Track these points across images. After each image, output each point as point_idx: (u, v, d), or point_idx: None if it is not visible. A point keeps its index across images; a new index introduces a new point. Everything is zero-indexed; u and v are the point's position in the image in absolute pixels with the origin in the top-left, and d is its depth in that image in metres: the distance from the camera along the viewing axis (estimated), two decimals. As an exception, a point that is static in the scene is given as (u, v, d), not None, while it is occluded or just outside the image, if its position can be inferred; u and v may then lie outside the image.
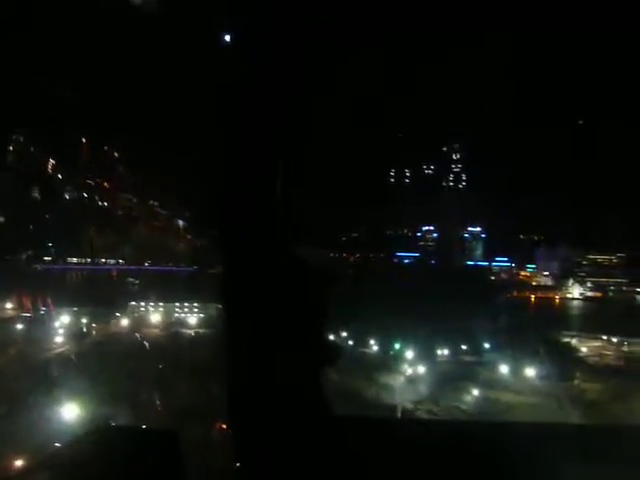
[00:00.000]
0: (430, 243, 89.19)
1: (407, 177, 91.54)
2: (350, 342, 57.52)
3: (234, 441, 3.53)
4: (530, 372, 49.90)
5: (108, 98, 75.69)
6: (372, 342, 57.20)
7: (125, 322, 63.05)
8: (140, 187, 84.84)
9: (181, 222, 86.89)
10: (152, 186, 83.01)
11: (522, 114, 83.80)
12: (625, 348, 57.59)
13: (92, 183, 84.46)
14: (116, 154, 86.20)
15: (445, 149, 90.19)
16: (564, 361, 51.04)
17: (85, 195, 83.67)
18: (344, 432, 3.99)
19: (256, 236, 3.53)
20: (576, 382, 49.42)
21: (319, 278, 3.63)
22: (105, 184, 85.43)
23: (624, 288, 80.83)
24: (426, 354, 53.60)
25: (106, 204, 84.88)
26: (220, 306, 3.54)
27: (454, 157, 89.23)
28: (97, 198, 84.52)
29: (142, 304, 66.27)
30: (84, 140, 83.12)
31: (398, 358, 54.47)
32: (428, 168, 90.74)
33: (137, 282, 72.37)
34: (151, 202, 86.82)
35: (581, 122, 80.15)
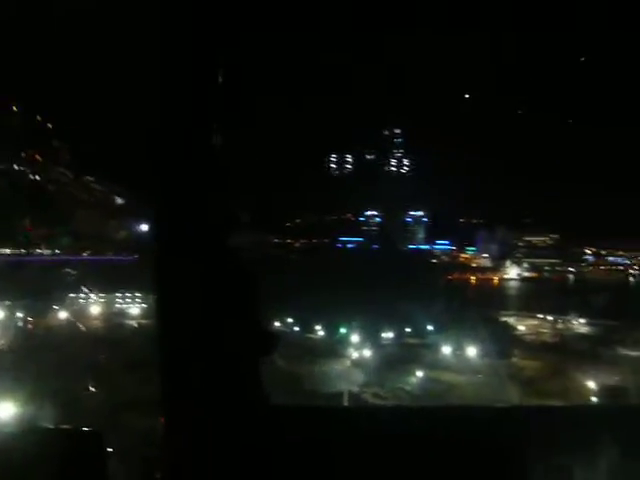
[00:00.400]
0: (373, 228, 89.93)
1: (350, 162, 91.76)
2: (296, 328, 57.50)
3: (169, 433, 3.44)
4: (471, 352, 51.11)
5: (41, 67, 72.19)
6: (318, 327, 57.32)
7: (64, 315, 60.80)
8: (75, 162, 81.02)
9: (119, 199, 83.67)
10: (88, 161, 79.24)
11: (462, 98, 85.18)
12: (560, 325, 59.91)
13: (24, 155, 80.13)
14: (50, 125, 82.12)
15: (387, 133, 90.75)
16: (503, 340, 52.48)
17: (16, 168, 79.23)
18: (284, 422, 3.90)
19: (189, 222, 3.40)
20: (514, 360, 50.98)
21: (252, 266, 3.55)
22: (37, 157, 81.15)
23: (557, 268, 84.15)
24: (371, 338, 54.12)
25: (38, 178, 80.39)
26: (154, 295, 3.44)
27: (395, 141, 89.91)
28: (29, 171, 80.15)
29: (82, 295, 64.14)
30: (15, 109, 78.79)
31: (344, 343, 54.79)
32: (370, 153, 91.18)
33: (75, 273, 69.82)
34: (87, 177, 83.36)
35: (520, 112, 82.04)
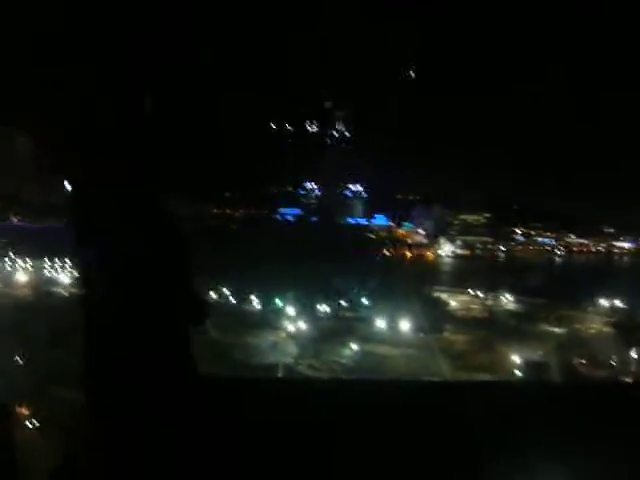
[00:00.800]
0: (313, 201, 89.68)
1: (291, 133, 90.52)
2: (232, 299, 56.89)
3: (92, 407, 3.28)
4: (404, 326, 52.02)
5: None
6: (254, 299, 56.89)
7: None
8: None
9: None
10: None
11: (403, 76, 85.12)
12: (489, 302, 61.79)
13: None
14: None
15: (328, 105, 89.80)
16: (435, 315, 53.66)
17: None
18: (214, 393, 3.86)
19: (114, 181, 3.15)
20: (446, 334, 52.25)
21: (182, 231, 3.39)
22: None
23: (489, 246, 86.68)
24: (307, 311, 54.19)
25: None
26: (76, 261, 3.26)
27: (337, 114, 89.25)
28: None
29: (8, 263, 61.15)
30: None
31: (279, 314, 54.64)
32: (311, 125, 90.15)
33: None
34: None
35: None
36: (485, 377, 44.84)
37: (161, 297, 3.20)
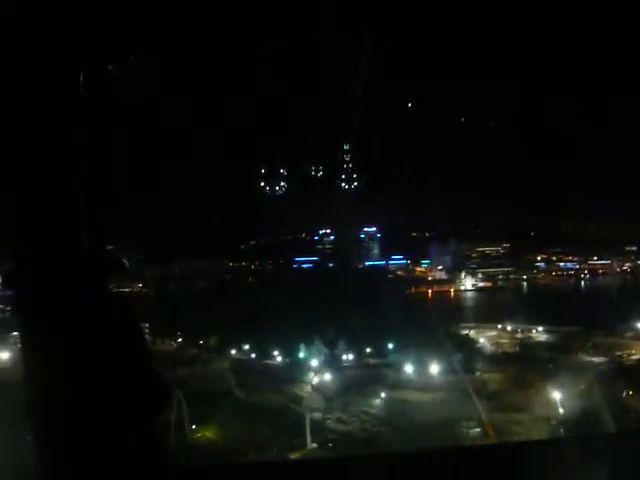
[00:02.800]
0: (328, 246, 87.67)
1: (300, 180, 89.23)
2: (253, 355, 54.42)
3: None
4: (434, 368, 48.98)
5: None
6: (276, 353, 54.16)
7: None
8: None
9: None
10: None
11: (409, 113, 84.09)
12: (519, 335, 58.55)
13: None
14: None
15: (336, 148, 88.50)
16: (465, 354, 50.62)
17: None
18: None
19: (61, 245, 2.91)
20: (477, 374, 49.06)
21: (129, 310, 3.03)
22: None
23: (511, 276, 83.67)
24: (331, 360, 51.46)
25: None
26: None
27: (345, 157, 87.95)
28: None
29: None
30: None
31: (303, 367, 51.90)
32: (319, 169, 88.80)
33: None
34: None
35: (462, 120, 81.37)
36: (525, 417, 41.69)
37: (110, 389, 2.79)
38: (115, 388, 2.84)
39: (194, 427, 39.84)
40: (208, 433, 42.41)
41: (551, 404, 42.73)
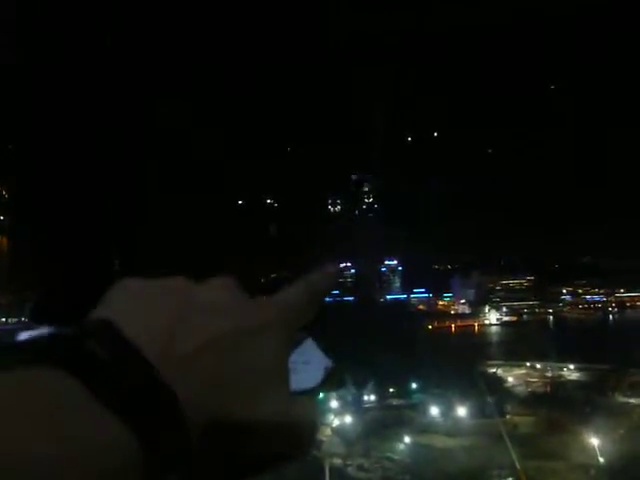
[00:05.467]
0: (349, 280, 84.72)
1: (321, 212, 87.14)
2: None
3: None
4: (460, 411, 45.28)
5: None
6: (294, 392, 50.97)
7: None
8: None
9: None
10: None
11: (429, 146, 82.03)
12: (549, 373, 54.60)
13: None
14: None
15: (355, 178, 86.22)
16: (494, 394, 46.89)
17: None
18: None
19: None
20: (507, 416, 45.20)
21: None
22: None
23: (536, 310, 79.76)
24: (352, 401, 47.99)
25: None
26: None
27: (365, 189, 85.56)
28: None
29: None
30: None
31: (322, 409, 48.52)
32: (337, 202, 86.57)
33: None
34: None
35: (490, 151, 78.99)
36: (561, 465, 37.80)
37: None
38: None
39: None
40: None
41: (588, 450, 38.81)
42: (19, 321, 68.85)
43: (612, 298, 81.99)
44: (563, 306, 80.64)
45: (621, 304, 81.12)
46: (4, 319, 68.11)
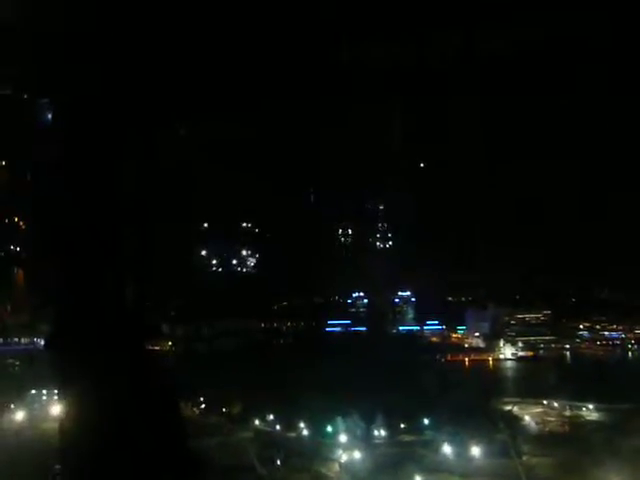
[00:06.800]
0: (361, 309, 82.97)
1: (334, 242, 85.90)
2: (277, 427, 49.32)
3: None
4: (475, 450, 42.93)
5: None
6: (302, 425, 48.81)
7: (20, 416, 51.83)
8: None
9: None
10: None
11: (440, 174, 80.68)
12: (567, 412, 52.09)
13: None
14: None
15: (369, 207, 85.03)
16: (509, 433, 44.53)
17: None
18: None
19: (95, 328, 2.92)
20: (524, 457, 42.74)
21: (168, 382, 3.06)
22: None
23: (553, 345, 77.16)
24: (362, 436, 45.88)
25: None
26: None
27: (379, 216, 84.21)
28: None
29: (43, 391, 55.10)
30: None
31: (331, 442, 46.42)
32: (348, 231, 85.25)
33: (17, 363, 60.81)
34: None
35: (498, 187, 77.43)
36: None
37: (148, 455, 2.77)
38: (148, 458, 2.78)
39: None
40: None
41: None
42: (31, 341, 68.44)
43: (631, 335, 79.32)
44: (580, 342, 78.02)
45: (640, 341, 78.42)
46: (17, 339, 67.71)
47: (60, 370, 2.98)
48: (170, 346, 71.92)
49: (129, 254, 3.00)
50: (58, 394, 2.96)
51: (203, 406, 53.30)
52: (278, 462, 42.28)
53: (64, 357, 2.98)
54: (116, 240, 2.99)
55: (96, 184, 2.90)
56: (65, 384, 3.00)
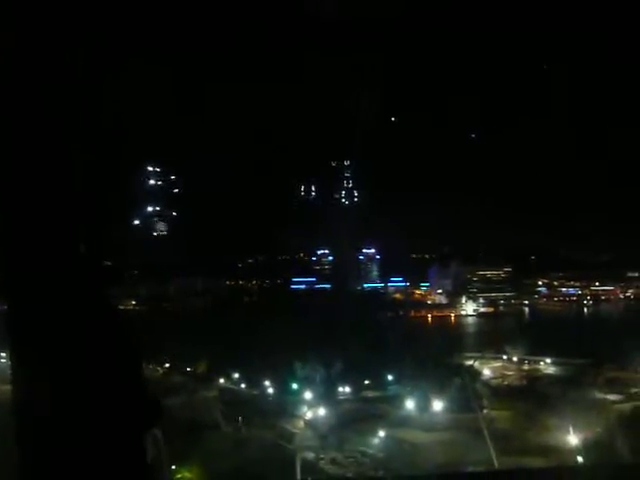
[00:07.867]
0: (326, 267, 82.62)
1: (298, 198, 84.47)
2: (242, 385, 49.03)
3: None
4: (436, 404, 43.54)
5: None
6: (267, 383, 48.60)
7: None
8: None
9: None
10: None
11: (410, 133, 79.87)
12: (526, 366, 53.30)
13: None
14: None
15: (334, 164, 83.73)
16: (469, 388, 45.18)
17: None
18: None
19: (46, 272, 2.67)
20: (484, 411, 43.53)
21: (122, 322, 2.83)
22: None
23: (513, 301, 78.73)
24: (326, 393, 45.96)
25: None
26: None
27: (345, 174, 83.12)
28: None
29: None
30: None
31: (296, 399, 46.42)
32: (317, 188, 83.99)
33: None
34: None
35: (472, 136, 77.17)
36: (540, 463, 36.14)
37: (99, 398, 2.64)
38: (106, 398, 2.67)
39: (174, 467, 34.78)
40: (189, 474, 37.00)
41: (567, 448, 37.38)
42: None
43: (587, 291, 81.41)
44: (539, 298, 79.77)
45: (596, 298, 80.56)
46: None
47: (8, 324, 2.71)
48: (134, 305, 70.59)
49: (79, 189, 2.74)
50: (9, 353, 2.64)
51: (167, 365, 52.49)
52: (240, 419, 42.00)
53: (12, 310, 2.71)
54: (65, 175, 2.75)
55: (40, 116, 2.64)
56: (15, 333, 2.69)
